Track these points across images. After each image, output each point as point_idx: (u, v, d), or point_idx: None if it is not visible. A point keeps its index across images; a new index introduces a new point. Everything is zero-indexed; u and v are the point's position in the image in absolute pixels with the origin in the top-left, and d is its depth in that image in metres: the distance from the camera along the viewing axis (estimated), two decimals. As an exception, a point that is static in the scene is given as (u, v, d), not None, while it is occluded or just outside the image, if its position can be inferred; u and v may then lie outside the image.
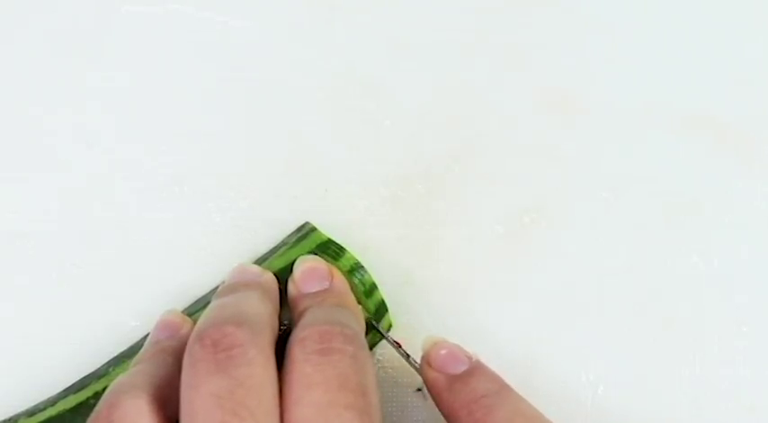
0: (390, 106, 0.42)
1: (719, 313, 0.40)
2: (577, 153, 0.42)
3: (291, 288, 0.37)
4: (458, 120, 0.42)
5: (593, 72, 0.42)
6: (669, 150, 0.42)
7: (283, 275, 0.38)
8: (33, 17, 0.43)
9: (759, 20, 0.43)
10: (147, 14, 0.43)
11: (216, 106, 0.42)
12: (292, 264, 0.38)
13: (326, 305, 0.36)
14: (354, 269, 0.38)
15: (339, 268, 0.38)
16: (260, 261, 0.39)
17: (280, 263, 0.38)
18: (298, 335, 0.32)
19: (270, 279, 0.37)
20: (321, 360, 0.31)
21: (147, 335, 0.38)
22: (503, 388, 0.35)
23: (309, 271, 0.37)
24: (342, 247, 0.39)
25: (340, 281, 0.38)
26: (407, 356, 0.38)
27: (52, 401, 0.39)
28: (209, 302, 0.35)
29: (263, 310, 0.34)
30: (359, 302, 0.38)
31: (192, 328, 0.34)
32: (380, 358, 0.40)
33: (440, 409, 0.35)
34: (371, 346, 0.39)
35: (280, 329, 0.35)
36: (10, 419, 0.39)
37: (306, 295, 0.37)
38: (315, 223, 0.40)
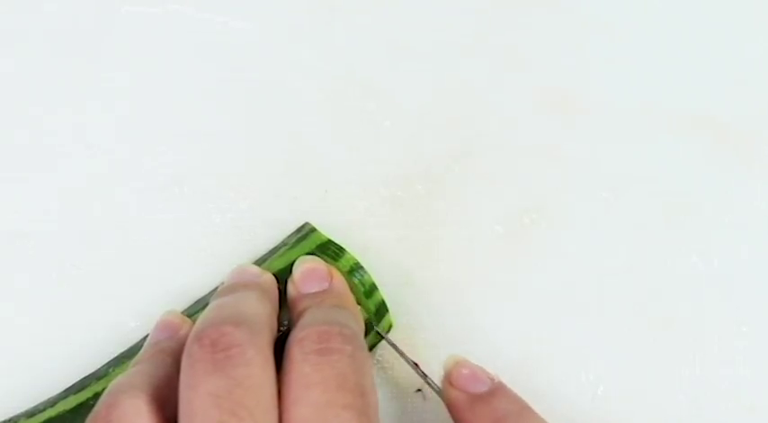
0: (390, 107, 0.42)
1: (719, 313, 0.40)
2: (577, 153, 0.42)
3: (291, 288, 0.37)
4: (458, 120, 0.42)
5: (593, 72, 0.42)
6: (669, 150, 0.42)
7: (283, 276, 0.38)
8: (33, 17, 0.43)
9: (759, 20, 0.43)
10: (147, 15, 0.43)
11: (216, 106, 0.42)
12: (292, 264, 0.38)
13: (325, 306, 0.36)
14: (354, 270, 0.38)
15: (339, 269, 0.38)
16: (260, 262, 0.39)
17: (279, 263, 0.38)
18: (296, 335, 0.32)
19: (269, 279, 0.37)
20: (319, 360, 0.31)
21: (147, 335, 0.38)
22: (524, 409, 0.35)
23: (309, 272, 0.37)
24: (341, 248, 0.39)
25: (339, 281, 0.38)
26: (425, 376, 0.38)
27: (52, 402, 0.39)
28: (208, 303, 0.35)
29: (261, 311, 0.34)
30: (359, 303, 0.38)
31: (191, 329, 0.34)
32: (380, 358, 0.40)
33: None
34: (371, 347, 0.39)
35: (279, 330, 0.35)
36: (10, 420, 0.39)
37: (305, 296, 0.37)
38: (315, 224, 0.40)
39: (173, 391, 0.31)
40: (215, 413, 0.29)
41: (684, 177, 0.42)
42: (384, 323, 0.39)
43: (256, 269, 0.38)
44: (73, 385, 0.39)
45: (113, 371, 0.38)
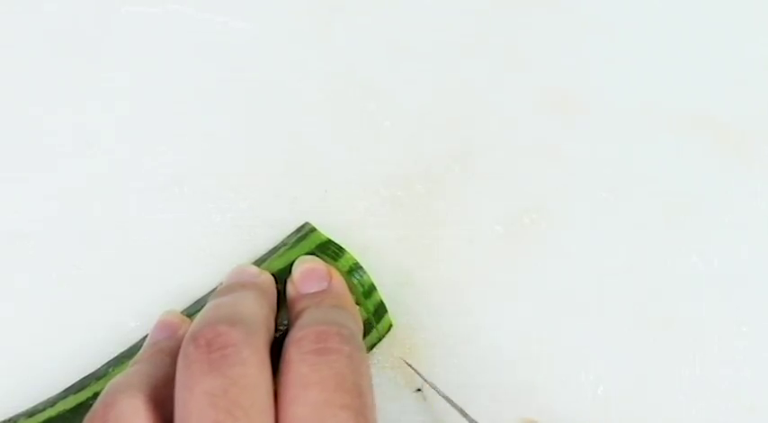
0: (390, 107, 0.42)
1: (719, 313, 0.40)
2: (577, 153, 0.42)
3: (290, 289, 0.37)
4: (458, 120, 0.42)
5: (593, 72, 0.42)
6: (669, 150, 0.42)
7: (283, 276, 0.38)
8: (33, 17, 0.43)
9: (759, 20, 0.43)
10: (147, 15, 0.43)
11: (216, 106, 0.42)
12: (292, 264, 0.38)
13: (324, 306, 0.36)
14: (353, 270, 0.38)
15: (338, 269, 0.38)
16: (259, 261, 0.39)
17: (279, 263, 0.38)
18: (294, 335, 0.32)
19: (267, 279, 0.37)
20: (317, 360, 0.31)
21: (147, 335, 0.38)
22: None
23: (308, 272, 0.37)
24: (341, 248, 0.39)
25: (338, 282, 0.38)
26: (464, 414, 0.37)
27: (52, 402, 0.39)
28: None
29: (258, 311, 0.34)
30: (358, 303, 0.38)
31: (190, 329, 0.34)
32: (380, 358, 0.40)
33: None
34: (371, 348, 0.39)
35: (279, 330, 0.35)
36: (10, 420, 0.39)
37: (304, 296, 0.37)
38: (314, 224, 0.40)
39: (171, 390, 0.31)
40: (210, 412, 0.29)
41: (684, 177, 0.41)
42: (383, 323, 0.39)
43: (255, 269, 0.38)
44: (73, 385, 0.39)
45: (113, 371, 0.38)
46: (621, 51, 0.43)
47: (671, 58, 0.43)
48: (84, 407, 0.38)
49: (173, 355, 0.33)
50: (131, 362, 0.35)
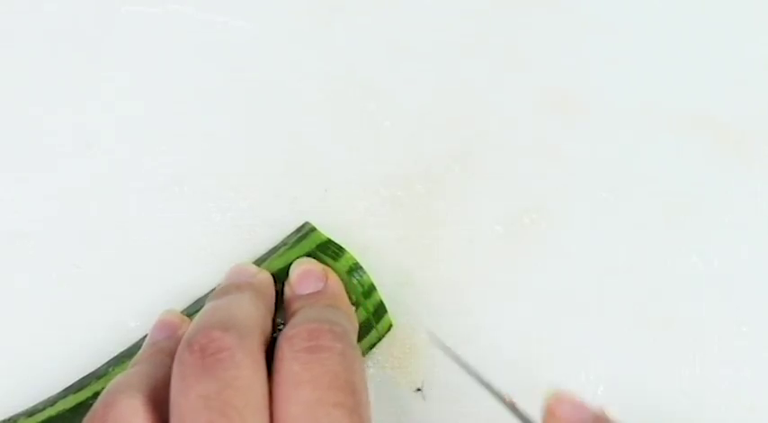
0: (390, 107, 0.42)
1: (719, 313, 0.40)
2: (577, 153, 0.42)
3: (287, 290, 0.37)
4: (458, 120, 0.42)
5: (593, 72, 0.42)
6: (669, 150, 0.42)
7: (282, 276, 0.38)
8: (33, 17, 0.43)
9: (759, 20, 0.43)
10: (147, 15, 0.43)
11: (216, 106, 0.42)
12: (291, 264, 0.38)
13: (318, 305, 0.36)
14: (353, 270, 0.38)
15: (338, 269, 0.38)
16: (259, 261, 0.39)
17: (279, 263, 0.38)
18: (287, 333, 0.32)
19: (264, 279, 0.37)
20: (309, 358, 0.31)
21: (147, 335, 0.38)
22: None
23: (304, 273, 0.37)
24: (341, 248, 0.39)
25: (335, 282, 0.38)
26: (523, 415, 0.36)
27: (52, 401, 0.39)
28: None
29: (253, 313, 0.34)
30: (358, 303, 0.38)
31: (190, 329, 0.34)
32: (380, 358, 0.40)
33: None
34: (371, 348, 0.39)
35: (277, 330, 0.35)
36: (10, 419, 0.39)
37: (299, 296, 0.37)
38: (314, 223, 0.40)
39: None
40: (204, 414, 0.29)
41: (684, 177, 0.41)
42: (383, 323, 0.39)
43: (253, 268, 0.38)
44: (73, 385, 0.39)
45: (113, 370, 0.38)
46: (621, 51, 0.43)
47: (671, 59, 0.43)
48: (84, 406, 0.38)
49: (172, 355, 0.33)
50: (131, 362, 0.35)
